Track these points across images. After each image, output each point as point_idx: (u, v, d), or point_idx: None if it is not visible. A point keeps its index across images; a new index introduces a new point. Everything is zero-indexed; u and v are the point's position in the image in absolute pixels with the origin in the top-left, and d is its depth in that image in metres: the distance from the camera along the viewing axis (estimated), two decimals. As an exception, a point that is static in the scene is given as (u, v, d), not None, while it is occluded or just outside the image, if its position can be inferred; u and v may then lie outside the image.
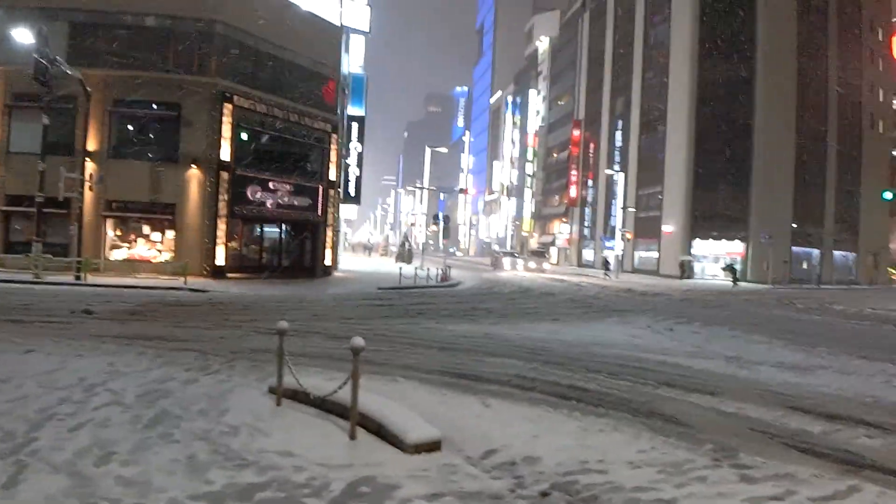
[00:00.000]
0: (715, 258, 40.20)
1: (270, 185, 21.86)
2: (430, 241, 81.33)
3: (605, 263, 39.16)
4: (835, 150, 45.24)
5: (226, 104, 20.02)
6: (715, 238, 39.82)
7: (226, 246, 20.34)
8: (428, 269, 24.96)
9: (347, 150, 28.17)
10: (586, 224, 55.37)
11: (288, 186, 22.53)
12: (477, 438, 4.35)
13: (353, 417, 4.24)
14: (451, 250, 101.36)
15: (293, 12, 22.31)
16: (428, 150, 41.33)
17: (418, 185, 72.04)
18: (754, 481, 3.78)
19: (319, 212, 23.94)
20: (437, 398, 5.54)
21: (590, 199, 54.49)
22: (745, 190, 38.88)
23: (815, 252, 44.12)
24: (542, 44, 73.65)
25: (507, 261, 42.09)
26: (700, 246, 40.35)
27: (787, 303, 22.24)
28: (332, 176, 24.76)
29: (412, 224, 62.51)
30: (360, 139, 28.61)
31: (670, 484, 3.66)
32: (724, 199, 39.38)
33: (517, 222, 76.30)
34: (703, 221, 39.69)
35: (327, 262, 24.76)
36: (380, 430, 4.28)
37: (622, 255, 43.15)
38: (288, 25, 22.04)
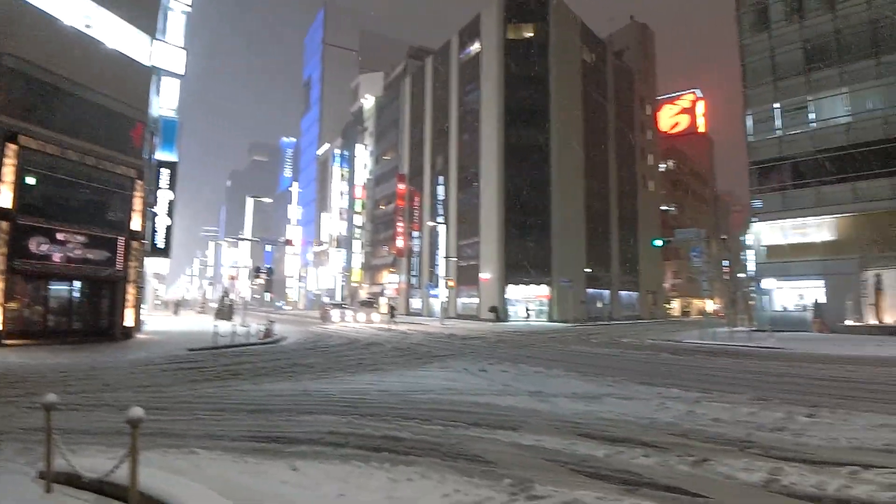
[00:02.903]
0: (526, 301, 43.96)
1: (59, 235, 18.97)
2: (256, 296, 76.55)
3: (496, 311, 40.94)
4: (616, 206, 53.15)
5: (9, 144, 17.18)
6: (525, 283, 43.60)
7: (2, 307, 17.06)
8: (249, 325, 23.38)
9: (156, 198, 25.68)
10: (413, 273, 56.92)
11: (81, 238, 19.74)
12: (279, 506, 4.10)
13: (133, 500, 3.74)
14: (279, 304, 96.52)
15: (98, 49, 20.18)
16: (250, 200, 39.33)
17: (240, 237, 67.94)
18: None
19: (119, 266, 21.27)
20: (239, 467, 5.12)
21: (416, 249, 56.30)
22: (546, 240, 43.45)
23: (606, 292, 50.65)
24: (368, 101, 76.13)
25: (335, 313, 41.32)
26: (513, 291, 43.81)
27: (583, 338, 24.91)
28: (136, 226, 22.27)
29: (233, 278, 58.33)
30: (172, 187, 26.28)
31: None
32: (530, 248, 43.42)
33: (347, 273, 75.72)
34: (515, 269, 43.33)
35: (129, 322, 21.93)
36: (167, 512, 3.84)
37: (447, 302, 45.01)
38: (91, 63, 19.83)
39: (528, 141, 44.48)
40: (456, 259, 47.13)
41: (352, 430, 6.68)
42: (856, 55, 30.72)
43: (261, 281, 28.35)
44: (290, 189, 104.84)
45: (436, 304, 42.82)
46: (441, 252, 45.83)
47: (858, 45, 30.70)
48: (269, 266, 28.11)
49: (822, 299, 30.19)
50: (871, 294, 27.01)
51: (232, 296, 46.49)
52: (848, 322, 27.95)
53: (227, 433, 6.60)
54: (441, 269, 44.45)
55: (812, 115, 32.51)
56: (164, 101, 25.53)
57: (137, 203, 22.29)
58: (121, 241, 21.41)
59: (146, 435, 5.49)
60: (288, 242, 75.63)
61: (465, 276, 46.94)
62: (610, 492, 4.40)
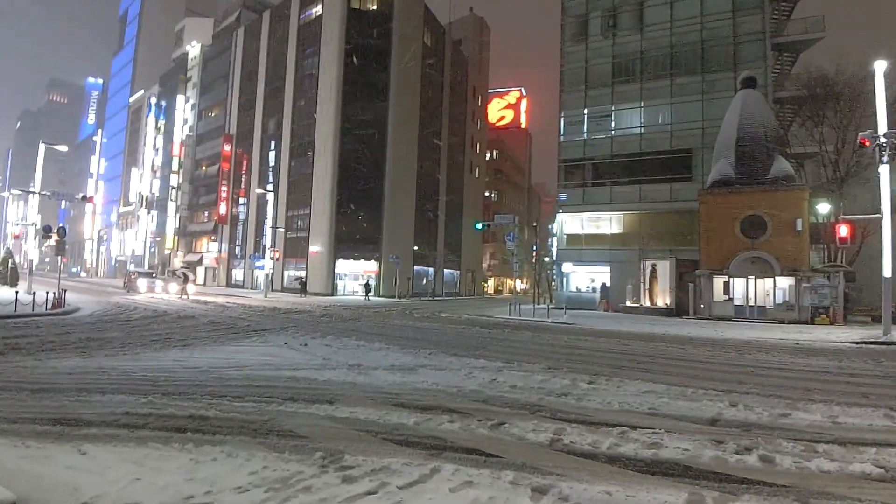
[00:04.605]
0: (355, 276, 44.11)
1: None
2: (47, 260, 65.32)
3: (302, 284, 39.39)
4: (444, 188, 55.43)
5: None
6: (355, 258, 43.70)
7: None
8: (35, 293, 20.11)
9: None
10: (237, 243, 53.50)
11: None
12: (66, 494, 3.72)
13: None
14: (75, 270, 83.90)
15: None
16: (42, 147, 33.31)
17: (30, 189, 57.16)
18: (354, 480, 4.08)
19: None
20: (19, 452, 4.50)
21: (241, 217, 52.91)
22: (378, 217, 43.90)
23: (431, 270, 52.93)
24: (194, 49, 68.67)
25: (143, 282, 37.12)
26: (343, 265, 43.63)
27: (407, 313, 25.84)
28: None
29: (17, 236, 48.96)
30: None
31: (276, 500, 3.71)
32: (362, 223, 43.61)
33: (158, 239, 68.35)
34: (346, 243, 43.16)
35: None
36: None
37: (272, 275, 43.22)
38: None
39: (366, 115, 44.16)
40: (284, 230, 45.33)
41: (152, 410, 6.17)
42: (655, 74, 35.74)
43: (52, 242, 24.15)
44: (93, 138, 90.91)
45: (261, 277, 40.85)
46: (269, 222, 43.70)
47: (658, 66, 35.74)
48: (62, 225, 23.85)
49: (609, 283, 35.09)
50: (647, 280, 32.04)
51: (16, 257, 39.31)
52: (628, 303, 32.89)
53: (4, 415, 5.72)
54: (268, 240, 42.46)
55: (613, 124, 37.18)
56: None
57: None
58: None
59: None
60: (88, 199, 65.50)
61: (294, 249, 45.46)
62: (416, 457, 4.65)
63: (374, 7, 46.19)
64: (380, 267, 43.65)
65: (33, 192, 53.30)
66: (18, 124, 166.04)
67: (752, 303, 27.56)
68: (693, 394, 7.83)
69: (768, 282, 27.31)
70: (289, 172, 48.02)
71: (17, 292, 19.74)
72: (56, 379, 7.89)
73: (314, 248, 43.76)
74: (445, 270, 55.83)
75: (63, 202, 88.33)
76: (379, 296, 42.33)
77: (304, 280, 42.45)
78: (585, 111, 37.72)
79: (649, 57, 35.97)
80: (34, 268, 37.64)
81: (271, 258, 41.04)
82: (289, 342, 12.88)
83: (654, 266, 31.87)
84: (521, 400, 7.14)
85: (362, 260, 43.59)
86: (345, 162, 43.43)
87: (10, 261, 34.23)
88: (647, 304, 31.75)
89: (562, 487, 4.06)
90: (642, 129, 36.04)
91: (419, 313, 25.92)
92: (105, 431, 5.32)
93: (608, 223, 36.61)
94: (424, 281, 51.27)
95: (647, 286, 32.00)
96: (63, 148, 33.57)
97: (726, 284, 28.21)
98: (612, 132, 37.06)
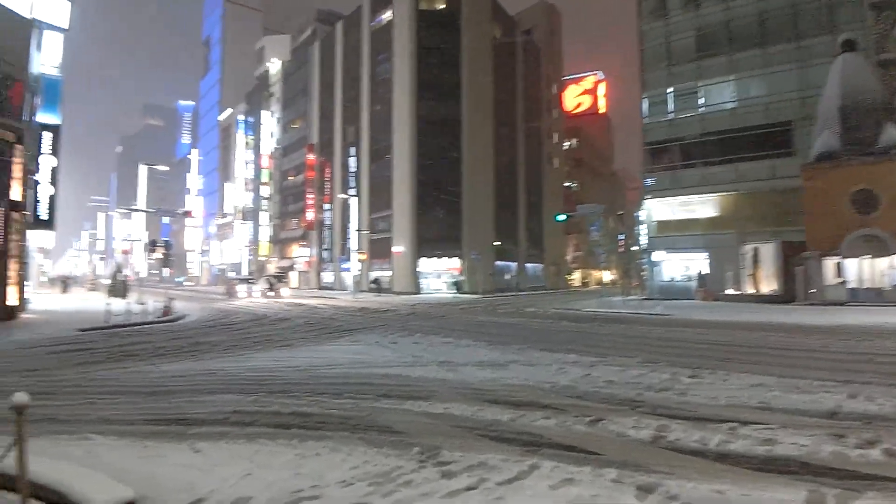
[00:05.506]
0: (437, 274, 44.63)
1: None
2: (154, 272, 71.56)
3: (378, 284, 41.04)
4: (523, 182, 54.76)
5: None
6: (438, 256, 44.20)
7: None
8: (146, 303, 21.98)
9: (38, 164, 23.07)
10: (325, 247, 55.77)
11: (-48, 209, 17.50)
12: (181, 490, 3.96)
13: (23, 490, 3.48)
14: (180, 280, 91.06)
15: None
16: (143, 168, 36.48)
17: (134, 207, 62.85)
18: (453, 475, 4.12)
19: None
20: (137, 452, 4.87)
21: (327, 222, 55.10)
22: (458, 214, 44.12)
23: (513, 265, 52.47)
24: (274, 66, 72.35)
25: (242, 288, 39.69)
26: (426, 264, 44.27)
27: (491, 309, 25.74)
28: (17, 195, 19.97)
29: (127, 252, 53.96)
30: (56, 152, 23.67)
31: (379, 494, 3.81)
32: (442, 222, 43.97)
33: (253, 247, 72.71)
34: (428, 242, 43.73)
35: (12, 301, 19.81)
36: (61, 500, 3.62)
37: (359, 276, 44.68)
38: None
39: (440, 114, 44.51)
40: (368, 232, 46.68)
41: (258, 408, 6.52)
42: (743, 45, 33.36)
43: (158, 255, 26.31)
44: (188, 157, 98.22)
45: (348, 278, 42.33)
46: (353, 225, 45.18)
47: (746, 36, 33.33)
48: (166, 239, 26.02)
49: (706, 270, 33.15)
50: (750, 266, 29.95)
51: (126, 271, 43.27)
52: (728, 291, 30.94)
53: (123, 417, 6.25)
54: (353, 243, 43.90)
55: (701, 100, 35.07)
56: (46, 58, 22.79)
57: (17, 170, 19.97)
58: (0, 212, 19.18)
59: (35, 422, 5.10)
60: (187, 214, 71.18)
61: (378, 250, 46.69)
62: (513, 453, 4.60)
63: (443, 6, 46.44)
64: (462, 264, 43.91)
65: (138, 210, 58.56)
66: (120, 148, 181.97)
67: (866, 285, 25.07)
68: (807, 386, 7.28)
69: (884, 261, 24.75)
70: (369, 176, 49.37)
71: (128, 303, 21.59)
72: (168, 382, 8.50)
73: (397, 249, 44.75)
74: (528, 265, 55.22)
75: (165, 218, 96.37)
76: (462, 293, 42.61)
77: (379, 280, 43.68)
78: (669, 90, 35.88)
79: (736, 26, 33.69)
80: (142, 280, 41.14)
81: (358, 260, 42.46)
82: (379, 341, 13.21)
83: (756, 250, 29.78)
84: (618, 395, 6.91)
85: (444, 258, 44.04)
86: (422, 162, 44.05)
87: (120, 274, 37.53)
88: (751, 291, 29.72)
89: (669, 486, 3.91)
90: (734, 103, 33.78)
91: (504, 309, 25.78)
92: (216, 430, 5.65)
93: (702, 206, 34.56)
94: (507, 276, 50.98)
95: (751, 272, 29.92)
96: (164, 168, 36.43)
97: (838, 266, 25.84)
98: (700, 109, 34.97)
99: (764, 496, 3.72)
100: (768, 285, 29.05)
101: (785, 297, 27.41)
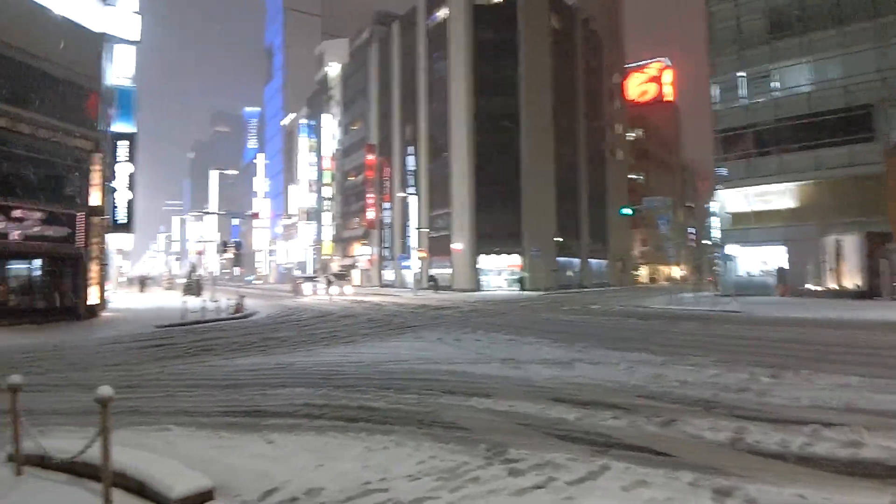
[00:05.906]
0: (498, 271, 44.36)
1: (15, 212, 18.28)
2: (225, 271, 75.30)
3: (435, 281, 41.90)
4: (585, 175, 53.49)
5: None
6: (497, 253, 43.92)
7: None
8: (219, 300, 23.07)
9: (114, 171, 24.77)
10: (385, 245, 56.64)
11: (38, 214, 19.06)
12: (256, 479, 4.09)
13: (107, 479, 3.68)
14: (249, 279, 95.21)
15: (44, 16, 19.17)
16: (214, 173, 38.43)
17: (206, 210, 66.26)
18: (520, 473, 4.07)
19: (80, 242, 20.63)
20: (213, 442, 5.10)
21: (387, 220, 55.94)
22: (517, 210, 43.61)
23: (576, 261, 51.38)
24: (333, 69, 74.16)
25: (307, 286, 41.02)
26: (485, 261, 44.11)
27: (554, 306, 25.27)
28: (96, 201, 21.53)
29: (200, 252, 57.12)
30: (132, 159, 25.33)
31: (446, 489, 3.80)
32: (502, 218, 43.56)
33: (317, 246, 74.93)
34: (487, 238, 43.53)
35: (93, 300, 21.37)
36: (142, 489, 3.80)
37: (419, 273, 45.12)
38: (38, 30, 18.89)
39: (498, 110, 44.16)
40: (428, 230, 47.01)
41: (327, 401, 6.69)
42: (818, 25, 31.20)
43: (229, 255, 27.72)
44: (255, 161, 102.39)
45: (408, 276, 42.85)
46: (412, 223, 45.63)
47: (821, 15, 31.15)
48: (236, 240, 27.45)
49: (785, 264, 31.24)
50: (832, 259, 27.99)
51: (200, 271, 45.63)
52: (809, 286, 29.04)
53: (200, 409, 6.55)
54: (413, 241, 44.34)
55: (775, 84, 33.06)
56: (120, 70, 24.42)
57: (96, 177, 21.51)
58: (80, 216, 20.73)
59: (117, 414, 5.40)
60: (255, 216, 74.22)
61: (438, 247, 46.94)
62: (581, 453, 4.50)
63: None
64: (523, 260, 43.45)
65: (210, 213, 61.80)
66: (192, 154, 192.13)
67: (966, 278, 22.87)
68: (895, 386, 6.79)
69: None
70: (428, 174, 49.68)
71: (203, 301, 22.71)
72: (242, 375, 8.88)
73: (457, 246, 44.83)
74: (591, 260, 53.92)
75: (235, 220, 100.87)
76: (524, 289, 42.18)
77: (436, 277, 44.20)
78: (741, 74, 34.00)
79: (810, 5, 31.50)
80: (215, 279, 43.17)
81: (418, 258, 42.89)
82: (442, 337, 13.24)
83: (838, 242, 27.77)
84: (692, 396, 6.61)
85: (504, 254, 43.73)
86: (480, 158, 43.87)
87: (195, 273, 39.62)
88: (833, 286, 27.77)
89: (748, 490, 3.75)
90: (810, 87, 31.63)
91: (568, 306, 25.30)
92: (287, 422, 5.84)
93: (779, 197, 32.55)
94: (570, 273, 50.00)
95: (834, 266, 27.95)
96: (233, 172, 38.30)
97: (932, 258, 23.70)
98: (775, 93, 32.94)
99: (847, 501, 3.57)
100: (851, 280, 27.06)
101: (869, 292, 25.45)
